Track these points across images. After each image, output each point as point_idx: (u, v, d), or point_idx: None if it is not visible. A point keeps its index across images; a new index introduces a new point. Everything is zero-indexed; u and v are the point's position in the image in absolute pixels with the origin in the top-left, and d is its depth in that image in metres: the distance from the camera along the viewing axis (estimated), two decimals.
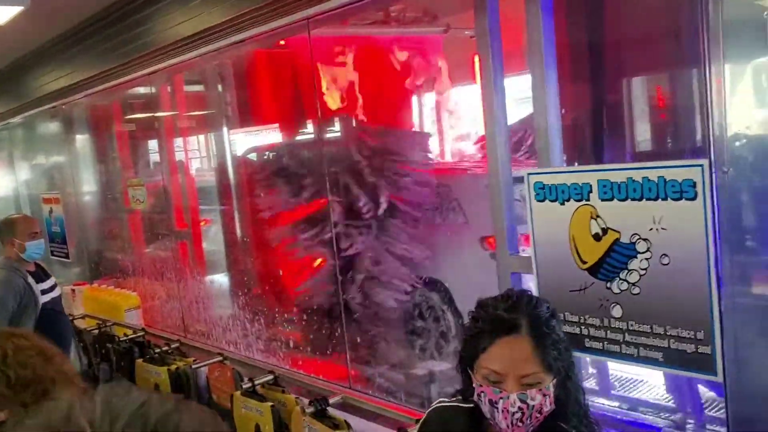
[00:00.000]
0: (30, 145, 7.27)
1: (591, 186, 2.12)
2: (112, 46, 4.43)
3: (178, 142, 5.44)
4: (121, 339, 4.37)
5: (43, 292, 3.97)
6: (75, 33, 4.89)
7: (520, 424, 1.47)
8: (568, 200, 2.19)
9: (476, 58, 5.95)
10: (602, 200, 2.10)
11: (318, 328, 4.14)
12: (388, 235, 4.36)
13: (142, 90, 5.38)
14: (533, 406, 1.46)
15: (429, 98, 6.29)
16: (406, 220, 4.35)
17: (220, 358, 3.80)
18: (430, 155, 4.72)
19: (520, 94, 3.14)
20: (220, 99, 5.10)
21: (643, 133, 2.99)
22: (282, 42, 4.58)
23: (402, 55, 5.45)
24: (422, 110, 6.20)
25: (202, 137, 6.25)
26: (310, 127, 4.87)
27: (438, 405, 1.71)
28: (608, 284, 2.12)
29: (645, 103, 2.98)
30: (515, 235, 2.74)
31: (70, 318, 4.67)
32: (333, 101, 4.99)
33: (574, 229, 2.19)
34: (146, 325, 4.90)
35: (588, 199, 2.13)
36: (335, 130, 4.79)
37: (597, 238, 2.12)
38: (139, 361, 4.05)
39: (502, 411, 1.47)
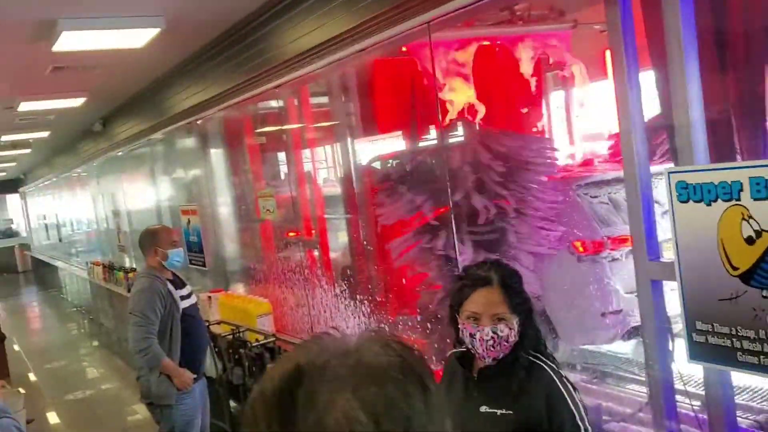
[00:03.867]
0: (169, 160, 7.68)
1: (742, 184, 1.92)
2: (239, 62, 4.59)
3: (306, 153, 5.55)
4: (253, 344, 4.49)
5: (182, 298, 4.17)
6: (205, 51, 5.12)
7: (492, 349, 2.00)
8: (715, 200, 2.00)
9: (608, 53, 5.71)
10: (755, 200, 1.89)
11: (443, 335, 4.06)
12: (512, 245, 4.23)
13: (271, 104, 5.54)
14: (502, 336, 1.99)
15: (557, 97, 6.07)
16: (530, 230, 4.20)
17: None
18: (555, 160, 4.52)
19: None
20: (344, 109, 5.16)
21: None
22: (404, 48, 4.56)
23: (527, 54, 5.28)
24: (550, 111, 5.98)
25: (328, 148, 6.37)
26: (432, 134, 4.82)
27: (450, 353, 2.28)
28: (764, 292, 1.91)
29: None
30: (656, 240, 2.54)
31: (207, 324, 4.87)
32: (455, 106, 4.91)
33: (723, 232, 1.99)
34: (277, 330, 5.01)
35: (738, 199, 1.93)
36: (458, 135, 4.71)
37: (750, 241, 1.92)
38: (270, 365, 4.13)
39: (479, 340, 1.99)
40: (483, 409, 2.06)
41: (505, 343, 2.00)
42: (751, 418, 3.16)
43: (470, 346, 2.05)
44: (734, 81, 2.70)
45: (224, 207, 6.53)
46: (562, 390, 2.00)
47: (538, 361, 2.05)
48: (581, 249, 4.16)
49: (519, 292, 2.06)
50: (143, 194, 8.60)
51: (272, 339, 4.56)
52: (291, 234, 5.53)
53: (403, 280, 4.46)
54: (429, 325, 4.15)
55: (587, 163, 5.20)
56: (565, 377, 2.05)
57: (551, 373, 2.03)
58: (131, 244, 8.74)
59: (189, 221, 6.22)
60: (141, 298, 4.03)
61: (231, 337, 4.82)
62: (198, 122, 6.25)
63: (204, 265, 6.13)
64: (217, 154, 6.59)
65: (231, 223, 6.54)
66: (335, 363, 0.70)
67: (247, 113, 5.91)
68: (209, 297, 5.65)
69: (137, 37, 4.51)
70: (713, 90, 2.58)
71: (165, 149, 7.66)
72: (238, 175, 6.56)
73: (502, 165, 4.25)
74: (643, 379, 3.67)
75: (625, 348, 4.29)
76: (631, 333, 4.21)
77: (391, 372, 0.71)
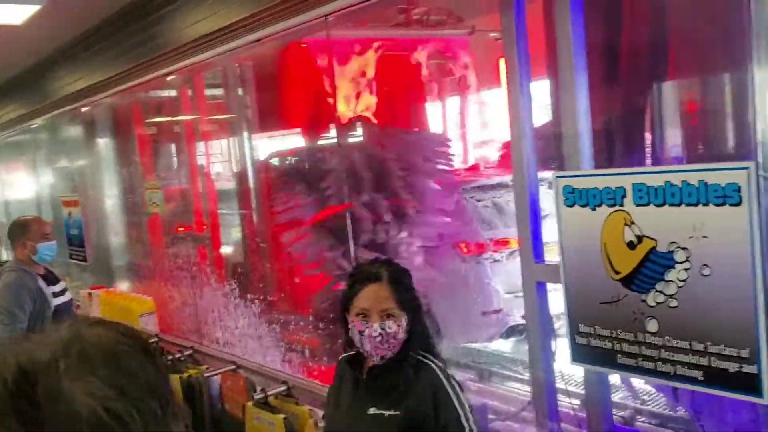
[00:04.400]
0: (52, 148, 7.28)
1: (625, 190, 1.97)
2: (129, 47, 4.37)
3: (200, 146, 5.38)
4: None
5: (54, 295, 3.90)
6: (93, 33, 4.85)
7: (380, 346, 1.97)
8: (599, 205, 2.04)
9: (501, 61, 5.84)
10: (637, 205, 1.94)
11: (335, 336, 4.02)
12: (406, 243, 4.26)
13: (163, 93, 5.33)
14: (390, 332, 1.97)
15: (453, 102, 6.17)
16: (425, 229, 4.25)
17: (233, 367, 3.69)
18: (452, 160, 4.61)
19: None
20: (240, 102, 5.02)
21: (673, 139, 2.82)
22: (303, 45, 4.49)
23: (425, 59, 5.33)
24: (446, 114, 6.07)
25: (224, 141, 6.21)
26: (332, 131, 4.78)
27: (340, 358, 2.21)
28: (643, 296, 1.96)
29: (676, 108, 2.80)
30: (541, 243, 2.60)
31: None
32: (351, 105, 4.89)
33: (606, 236, 2.03)
34: (162, 330, 4.80)
35: (622, 205, 1.98)
36: (356, 135, 4.68)
37: (631, 246, 1.97)
38: None
39: (367, 337, 1.97)
40: (371, 411, 2.03)
41: (393, 341, 1.99)
42: (617, 414, 3.33)
43: (359, 345, 2.02)
44: (620, 94, 2.80)
45: (110, 199, 6.24)
46: (449, 390, 1.99)
47: (426, 360, 2.05)
48: (465, 250, 4.30)
49: (408, 289, 2.07)
50: (23, 183, 8.10)
51: (155, 340, 4.36)
52: (180, 229, 5.35)
53: (296, 279, 4.38)
54: (321, 324, 4.09)
55: (474, 167, 5.36)
56: (452, 377, 2.05)
57: (438, 372, 2.02)
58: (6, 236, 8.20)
59: (70, 213, 5.88)
60: (6, 294, 3.73)
61: None
62: (84, 109, 5.92)
63: (85, 260, 5.80)
64: (104, 144, 6.29)
65: (117, 216, 6.26)
66: (61, 354, 0.70)
67: (138, 102, 5.66)
68: (89, 293, 5.36)
69: (15, 13, 4.21)
70: (600, 101, 2.67)
71: (48, 136, 7.25)
72: (127, 167, 6.29)
73: (400, 164, 4.27)
74: (527, 378, 3.79)
75: (508, 347, 4.43)
76: (510, 332, 4.43)
77: (120, 346, 0.74)
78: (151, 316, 4.83)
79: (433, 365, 2.04)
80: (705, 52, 2.60)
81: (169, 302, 5.02)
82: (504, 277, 4.39)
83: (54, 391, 0.67)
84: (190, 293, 4.77)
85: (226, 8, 3.32)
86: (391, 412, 2.00)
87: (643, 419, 3.38)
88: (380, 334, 1.97)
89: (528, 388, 3.54)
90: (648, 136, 2.69)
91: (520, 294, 4.35)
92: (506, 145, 5.47)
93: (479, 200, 4.57)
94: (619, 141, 2.80)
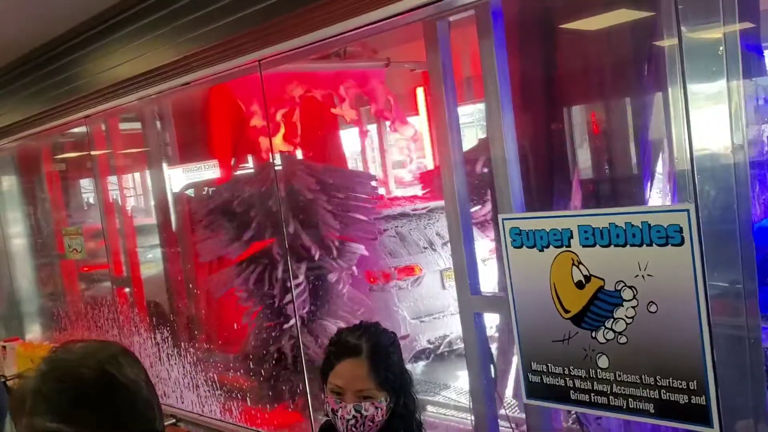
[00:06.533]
0: None
1: (571, 232, 2.04)
2: (43, 89, 4.17)
3: (114, 182, 5.18)
4: None
5: None
6: (2, 75, 4.60)
7: (354, 429, 1.78)
8: (547, 246, 2.11)
9: (418, 90, 5.94)
10: (584, 246, 2.02)
11: (274, 378, 3.94)
12: (339, 275, 4.26)
13: (74, 130, 5.11)
14: (366, 416, 1.77)
15: (372, 130, 6.24)
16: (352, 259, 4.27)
17: (173, 421, 3.56)
18: (375, 195, 4.66)
19: None
20: (159, 136, 4.87)
21: (584, 161, 2.94)
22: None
23: (345, 90, 5.37)
24: (364, 143, 6.13)
25: (139, 176, 6.01)
26: (256, 166, 4.72)
27: (323, 423, 2.01)
28: (593, 334, 2.03)
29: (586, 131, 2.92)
30: (477, 274, 2.65)
31: (2, 380, 4.32)
32: (277, 138, 4.86)
33: (555, 276, 2.10)
34: None
35: (569, 246, 2.05)
36: (283, 168, 4.65)
37: (580, 285, 2.04)
38: None
39: (341, 418, 1.78)
40: None
41: (371, 424, 1.80)
42: None
43: (333, 423, 1.84)
44: (543, 121, 2.90)
45: (16, 239, 5.90)
46: None
47: None
48: (372, 279, 4.43)
49: (390, 365, 1.86)
50: None
51: None
52: (85, 269, 5.13)
53: (235, 326, 4.28)
54: (253, 365, 3.99)
55: (378, 198, 5.42)
56: None
57: None
58: None
59: None
60: None
61: None
62: None
63: None
64: (8, 181, 5.97)
65: (24, 258, 5.93)
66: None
67: (47, 139, 5.40)
68: (3, 347, 5.03)
69: None
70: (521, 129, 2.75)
71: None
72: (35, 205, 5.99)
73: (330, 200, 4.28)
74: (461, 404, 3.86)
75: (417, 371, 4.53)
76: (418, 357, 4.55)
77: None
78: None
79: None
80: (616, 78, 2.74)
81: None
82: (410, 303, 4.53)
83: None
84: (117, 340, 4.55)
85: (151, 51, 3.22)
86: None
87: None
88: (354, 416, 1.78)
89: (461, 414, 3.62)
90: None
91: (425, 319, 4.55)
92: (423, 176, 5.60)
93: (384, 230, 4.68)
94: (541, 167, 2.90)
